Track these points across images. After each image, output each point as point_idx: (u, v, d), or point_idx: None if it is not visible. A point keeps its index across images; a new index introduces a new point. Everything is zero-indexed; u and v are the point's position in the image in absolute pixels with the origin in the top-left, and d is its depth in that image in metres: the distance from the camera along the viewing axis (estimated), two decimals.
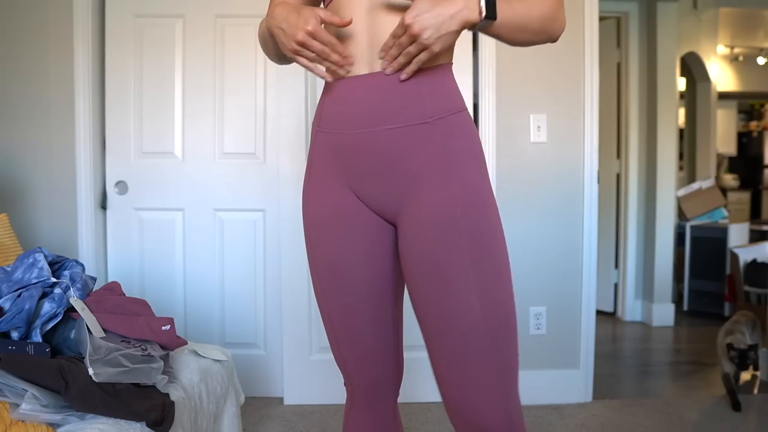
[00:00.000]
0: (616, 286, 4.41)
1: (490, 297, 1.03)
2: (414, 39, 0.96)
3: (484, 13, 0.97)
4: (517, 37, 1.08)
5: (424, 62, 1.00)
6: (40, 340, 1.44)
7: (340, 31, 1.06)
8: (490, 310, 1.03)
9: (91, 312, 1.52)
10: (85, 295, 1.62)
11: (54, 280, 1.57)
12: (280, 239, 2.66)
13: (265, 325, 2.75)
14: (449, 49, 1.07)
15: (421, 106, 1.05)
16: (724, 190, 6.49)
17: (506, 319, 1.06)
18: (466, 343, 1.02)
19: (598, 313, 4.19)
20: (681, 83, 5.65)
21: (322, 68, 1.06)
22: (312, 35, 1.00)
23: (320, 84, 2.63)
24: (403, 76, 1.02)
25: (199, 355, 1.83)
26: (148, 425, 1.35)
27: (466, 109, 1.11)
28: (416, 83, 1.04)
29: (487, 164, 1.16)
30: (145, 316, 1.65)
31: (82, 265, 1.69)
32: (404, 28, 0.96)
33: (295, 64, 1.10)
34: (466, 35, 2.63)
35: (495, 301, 1.03)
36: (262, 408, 2.63)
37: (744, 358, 2.58)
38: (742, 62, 6.31)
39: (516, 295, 2.95)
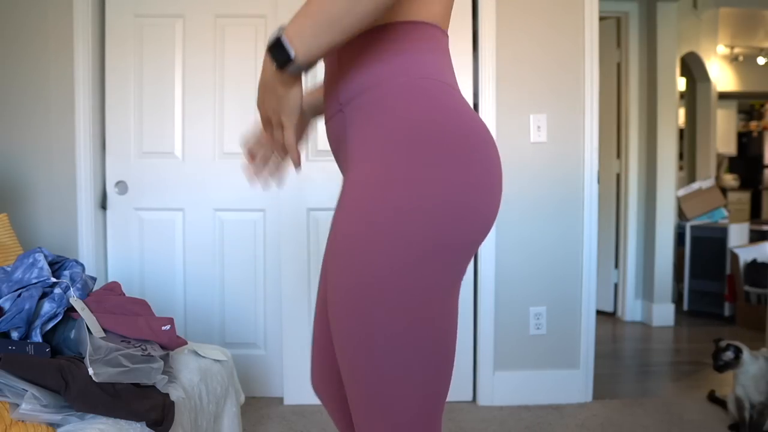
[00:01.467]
0: (616, 286, 4.42)
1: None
2: (270, 124, 0.90)
3: (279, 69, 0.81)
4: (343, 27, 0.78)
5: (290, 138, 0.88)
6: (40, 340, 1.44)
7: None
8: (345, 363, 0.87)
9: (91, 312, 1.52)
10: (85, 295, 1.62)
11: (54, 280, 1.57)
12: (280, 239, 2.66)
13: (265, 325, 2.75)
14: (385, 9, 0.79)
15: (336, 90, 0.93)
16: (724, 190, 6.49)
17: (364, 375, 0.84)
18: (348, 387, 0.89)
19: (598, 313, 4.21)
20: (681, 83, 5.66)
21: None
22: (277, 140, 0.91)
23: (320, 84, 2.63)
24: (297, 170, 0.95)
25: (199, 355, 1.83)
26: (148, 425, 1.35)
27: (400, 77, 0.86)
28: (339, 63, 0.92)
29: None
30: (145, 316, 1.65)
31: (82, 265, 1.69)
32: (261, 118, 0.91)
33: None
34: (467, 34, 2.63)
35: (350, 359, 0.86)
36: (262, 408, 2.63)
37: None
38: (742, 62, 6.31)
39: (516, 295, 2.97)
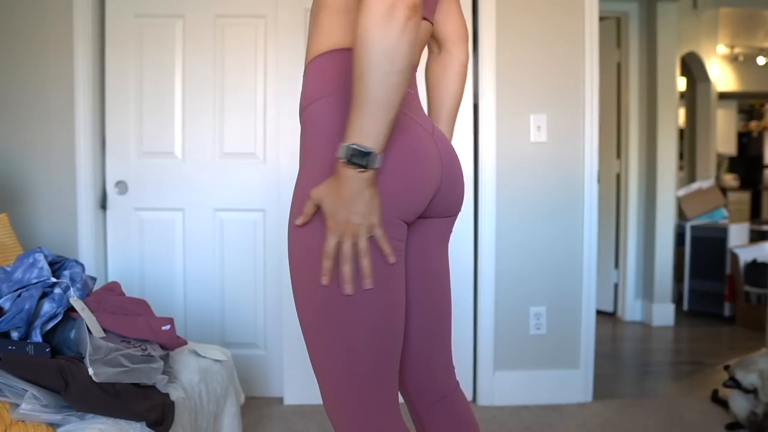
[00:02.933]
0: (616, 286, 4.42)
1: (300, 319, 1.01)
2: (356, 240, 0.91)
3: (367, 168, 0.86)
4: (395, 104, 0.86)
5: (379, 237, 0.92)
6: (40, 340, 1.44)
7: None
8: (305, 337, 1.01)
9: (91, 312, 1.52)
10: (85, 295, 1.62)
11: (54, 280, 1.57)
12: (280, 239, 2.66)
13: (265, 325, 2.75)
14: (326, 35, 1.00)
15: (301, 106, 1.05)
16: (724, 190, 6.49)
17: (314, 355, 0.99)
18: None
19: (598, 313, 4.20)
20: (681, 83, 5.66)
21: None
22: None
23: None
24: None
25: (199, 355, 1.83)
26: (148, 425, 1.35)
27: (327, 96, 0.99)
28: (304, 78, 1.06)
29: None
30: (145, 316, 1.65)
31: (82, 265, 1.69)
32: (340, 239, 0.91)
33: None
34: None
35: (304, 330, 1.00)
36: (262, 408, 2.63)
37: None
38: (742, 62, 6.31)
39: (516, 295, 2.96)
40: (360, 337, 0.94)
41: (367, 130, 0.85)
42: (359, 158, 0.85)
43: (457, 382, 1.19)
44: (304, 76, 1.05)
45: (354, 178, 0.87)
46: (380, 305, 0.94)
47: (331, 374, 0.97)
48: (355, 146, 0.85)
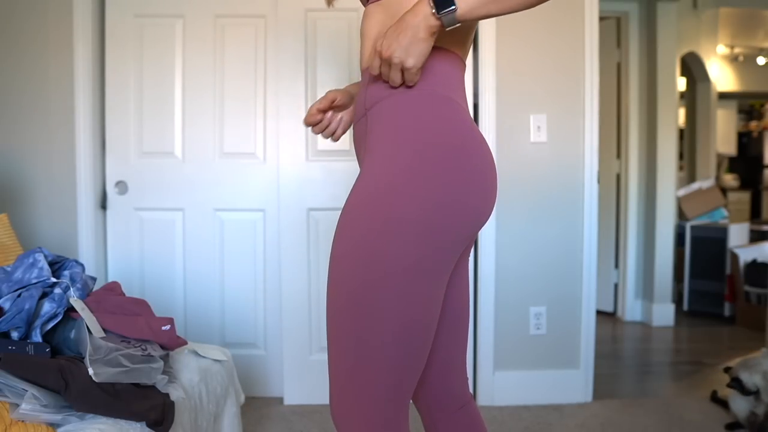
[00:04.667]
0: (616, 286, 4.41)
1: (329, 309, 0.99)
2: (388, 63, 0.97)
3: (437, 12, 0.91)
4: (506, 6, 0.94)
5: (413, 78, 0.98)
6: (40, 340, 1.44)
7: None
8: (329, 330, 0.99)
9: (91, 312, 1.52)
10: (85, 295, 1.62)
11: (54, 280, 1.57)
12: (280, 239, 2.66)
13: (265, 325, 2.75)
14: None
15: (364, 97, 1.06)
16: (724, 190, 6.49)
17: (342, 349, 0.97)
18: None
19: (598, 313, 4.20)
20: (681, 83, 5.66)
21: None
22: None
23: (320, 84, 2.63)
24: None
25: (199, 355, 1.83)
26: (148, 425, 1.35)
27: (409, 91, 1.00)
28: (369, 75, 1.06)
29: None
30: (145, 316, 1.65)
31: (82, 265, 1.69)
32: (378, 55, 0.98)
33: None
34: None
35: (330, 320, 0.99)
36: (262, 408, 2.63)
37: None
38: (742, 62, 6.31)
39: (516, 294, 2.96)
40: (390, 334, 0.94)
41: None
42: (441, 1, 0.90)
43: (471, 394, 1.20)
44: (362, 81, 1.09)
45: (420, 11, 0.92)
46: (415, 312, 0.95)
47: (352, 369, 0.96)
48: None
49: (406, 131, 0.97)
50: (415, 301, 0.94)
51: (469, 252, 1.16)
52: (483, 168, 0.99)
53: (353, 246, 0.95)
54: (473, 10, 0.92)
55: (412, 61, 0.94)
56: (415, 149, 0.95)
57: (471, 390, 2.72)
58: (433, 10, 0.91)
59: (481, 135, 1.03)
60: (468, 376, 1.21)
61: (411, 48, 0.93)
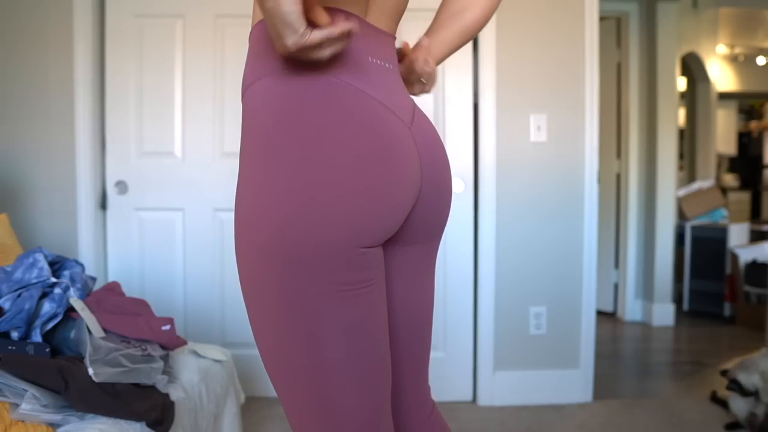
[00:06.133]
0: (616, 286, 4.41)
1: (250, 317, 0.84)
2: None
3: None
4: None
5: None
6: (40, 340, 1.44)
7: None
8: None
9: (91, 312, 1.52)
10: (85, 295, 1.62)
11: (54, 280, 1.57)
12: None
13: None
14: None
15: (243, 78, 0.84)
16: (724, 190, 6.49)
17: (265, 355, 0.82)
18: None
19: (598, 313, 4.21)
20: (681, 83, 5.66)
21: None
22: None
23: None
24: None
25: (199, 355, 1.83)
26: (148, 425, 1.35)
27: (265, 77, 0.77)
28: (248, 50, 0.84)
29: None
30: (145, 316, 1.65)
31: (82, 265, 1.69)
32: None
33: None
34: None
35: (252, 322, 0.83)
36: (262, 408, 2.63)
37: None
38: (742, 62, 6.31)
39: (516, 295, 2.96)
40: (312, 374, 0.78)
41: None
42: None
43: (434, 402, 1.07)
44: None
45: None
46: (357, 355, 0.78)
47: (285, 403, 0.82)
48: None
49: (252, 138, 0.78)
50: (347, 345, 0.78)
51: (432, 269, 0.98)
52: (348, 158, 0.74)
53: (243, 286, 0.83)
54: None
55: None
56: (258, 162, 0.77)
57: (471, 390, 2.74)
58: None
59: (351, 115, 0.76)
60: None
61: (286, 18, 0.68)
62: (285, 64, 0.76)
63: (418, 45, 1.02)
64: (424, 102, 2.64)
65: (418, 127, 0.86)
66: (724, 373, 2.45)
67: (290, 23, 0.66)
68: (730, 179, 7.20)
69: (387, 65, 0.84)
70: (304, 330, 0.76)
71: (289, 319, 0.76)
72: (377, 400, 0.81)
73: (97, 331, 1.46)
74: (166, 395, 1.47)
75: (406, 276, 0.93)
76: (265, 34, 0.78)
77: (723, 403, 2.58)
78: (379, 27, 0.84)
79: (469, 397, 2.72)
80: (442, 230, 0.95)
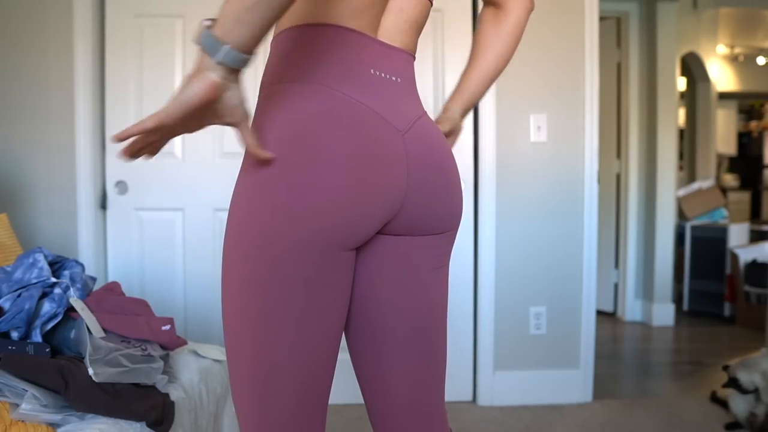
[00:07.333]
0: (616, 286, 4.42)
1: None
2: None
3: (206, 48, 0.74)
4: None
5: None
6: (40, 340, 1.44)
7: None
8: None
9: (91, 312, 1.52)
10: (85, 295, 1.62)
11: (54, 280, 1.57)
12: None
13: None
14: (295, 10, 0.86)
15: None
16: (724, 190, 6.49)
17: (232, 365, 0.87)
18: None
19: (598, 313, 4.21)
20: (681, 83, 5.66)
21: None
22: None
23: None
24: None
25: (199, 355, 1.83)
26: (148, 425, 1.35)
27: (278, 83, 0.86)
28: None
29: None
30: (145, 316, 1.65)
31: (82, 265, 1.69)
32: None
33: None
34: (466, 35, 2.63)
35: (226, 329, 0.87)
36: None
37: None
38: (742, 62, 6.31)
39: (516, 295, 2.96)
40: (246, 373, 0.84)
41: (223, 11, 0.70)
42: (204, 40, 0.71)
43: (450, 429, 1.02)
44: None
45: (198, 62, 0.74)
46: (265, 348, 0.82)
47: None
48: (207, 22, 0.72)
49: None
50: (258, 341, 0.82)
51: (444, 262, 0.97)
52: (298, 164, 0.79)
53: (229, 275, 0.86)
54: (229, 23, 0.71)
55: (163, 116, 0.85)
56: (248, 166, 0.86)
57: (471, 390, 2.74)
58: (206, 54, 0.73)
59: (316, 120, 0.81)
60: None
61: (173, 107, 0.85)
62: (289, 78, 0.86)
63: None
64: (424, 102, 2.64)
65: (416, 135, 0.88)
66: (726, 368, 2.45)
67: (177, 108, 0.81)
68: (730, 179, 7.21)
69: (394, 78, 0.88)
70: (253, 308, 0.82)
71: (245, 296, 0.82)
72: (311, 399, 0.86)
73: (97, 331, 1.46)
74: (166, 395, 1.47)
75: (405, 269, 0.92)
76: (287, 41, 0.88)
77: (723, 403, 2.58)
78: (392, 44, 0.90)
79: (469, 396, 2.72)
80: (442, 229, 0.93)
